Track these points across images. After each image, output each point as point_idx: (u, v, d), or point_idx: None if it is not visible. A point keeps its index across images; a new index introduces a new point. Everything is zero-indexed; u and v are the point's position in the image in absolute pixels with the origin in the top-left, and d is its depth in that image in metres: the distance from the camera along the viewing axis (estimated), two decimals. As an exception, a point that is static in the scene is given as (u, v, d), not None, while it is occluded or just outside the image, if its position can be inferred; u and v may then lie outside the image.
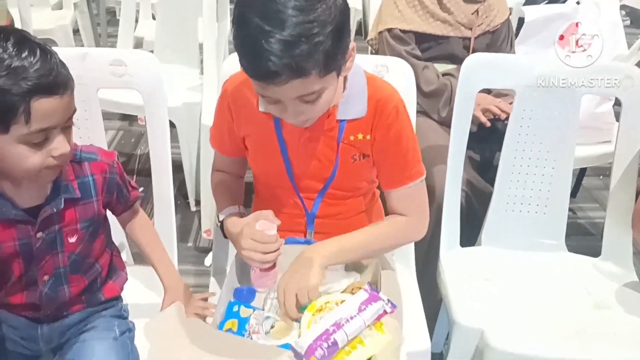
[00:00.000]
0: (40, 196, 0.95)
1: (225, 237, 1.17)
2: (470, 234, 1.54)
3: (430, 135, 1.70)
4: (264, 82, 0.92)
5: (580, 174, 2.39)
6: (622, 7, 2.78)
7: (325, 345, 0.94)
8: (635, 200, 1.33)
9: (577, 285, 1.35)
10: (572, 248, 1.48)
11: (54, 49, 0.88)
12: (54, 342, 1.04)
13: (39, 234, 0.95)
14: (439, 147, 1.58)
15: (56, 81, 0.84)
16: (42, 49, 0.84)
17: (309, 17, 0.89)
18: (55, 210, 0.95)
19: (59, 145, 0.87)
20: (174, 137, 2.34)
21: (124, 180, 1.07)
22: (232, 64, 1.28)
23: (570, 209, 2.43)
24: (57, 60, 0.85)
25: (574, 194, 2.45)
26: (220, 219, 1.18)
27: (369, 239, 1.14)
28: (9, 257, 0.95)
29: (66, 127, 0.89)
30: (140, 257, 1.21)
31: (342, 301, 1.07)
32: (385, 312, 1.01)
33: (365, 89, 1.10)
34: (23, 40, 0.83)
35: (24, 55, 0.81)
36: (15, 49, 0.81)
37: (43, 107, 0.83)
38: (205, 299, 1.15)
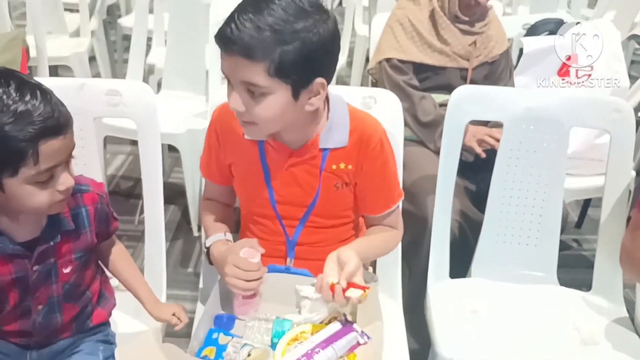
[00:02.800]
0: (35, 230, 0.97)
1: (211, 263, 1.20)
2: (463, 266, 1.53)
3: (425, 165, 1.71)
4: (219, 45, 0.97)
5: (585, 205, 2.37)
6: (633, 36, 2.77)
7: (297, 373, 0.95)
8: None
9: (566, 319, 1.33)
10: (573, 280, 1.46)
11: (60, 80, 0.90)
12: None
13: (35, 267, 0.98)
14: (433, 177, 1.58)
15: (60, 122, 0.87)
16: (41, 90, 0.87)
17: (289, 20, 0.94)
18: (52, 244, 0.98)
19: (64, 181, 0.91)
20: (178, 163, 2.42)
21: (109, 210, 1.10)
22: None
23: (575, 240, 2.42)
24: (57, 100, 0.89)
25: (579, 224, 2.42)
26: (207, 245, 1.20)
27: (379, 242, 1.22)
28: (5, 288, 0.98)
29: (68, 161, 0.92)
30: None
31: (317, 331, 1.09)
32: (358, 343, 1.02)
33: (347, 119, 1.13)
34: (23, 83, 0.86)
35: (26, 98, 0.84)
36: (17, 93, 0.84)
37: (50, 148, 0.86)
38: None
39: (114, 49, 3.48)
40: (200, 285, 1.45)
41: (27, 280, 0.98)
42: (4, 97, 0.83)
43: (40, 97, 0.86)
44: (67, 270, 1.02)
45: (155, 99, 1.34)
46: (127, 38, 3.55)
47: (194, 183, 2.20)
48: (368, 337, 1.03)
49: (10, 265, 0.96)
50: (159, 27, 2.76)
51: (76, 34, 2.95)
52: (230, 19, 0.95)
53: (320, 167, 1.14)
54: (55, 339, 1.06)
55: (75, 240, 1.02)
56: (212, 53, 2.24)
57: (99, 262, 1.15)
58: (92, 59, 3.01)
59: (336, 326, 1.03)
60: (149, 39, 2.69)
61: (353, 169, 1.15)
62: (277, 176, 1.15)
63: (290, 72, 0.96)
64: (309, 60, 0.96)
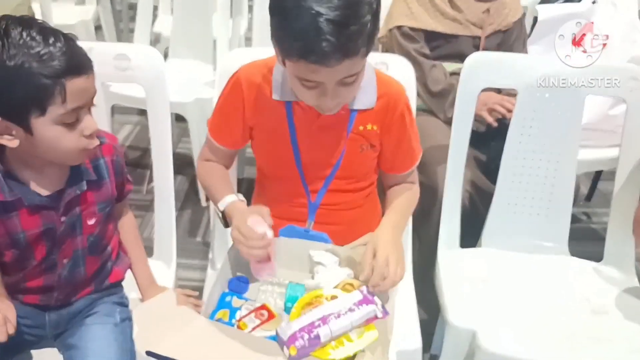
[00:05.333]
0: (60, 181, 0.98)
1: (227, 226, 1.17)
2: (474, 236, 1.52)
3: (435, 134, 1.69)
4: (318, 64, 0.95)
5: (595, 178, 2.34)
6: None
7: (306, 336, 0.96)
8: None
9: (576, 289, 1.33)
10: (583, 253, 1.45)
11: None
12: (61, 328, 1.07)
13: (63, 218, 0.99)
14: (444, 146, 1.56)
15: (83, 61, 0.89)
16: (63, 34, 0.88)
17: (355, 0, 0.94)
18: (78, 193, 0.99)
19: (89, 124, 0.92)
20: (185, 133, 2.40)
21: (124, 166, 1.10)
22: (232, 61, 1.30)
23: (584, 213, 2.40)
24: (78, 45, 0.90)
25: (589, 197, 2.40)
26: (221, 208, 1.16)
27: (407, 206, 1.25)
28: (33, 242, 0.98)
29: (91, 106, 0.93)
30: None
31: (333, 296, 1.09)
32: (376, 316, 1.02)
33: (374, 81, 1.15)
34: (46, 28, 0.87)
35: (50, 41, 0.85)
36: (41, 36, 0.85)
37: (76, 86, 0.87)
38: (189, 296, 1.16)
39: (120, 18, 3.44)
40: (210, 254, 1.45)
41: (55, 233, 0.99)
42: (28, 39, 0.84)
43: (62, 39, 0.87)
44: (91, 222, 1.02)
45: (163, 64, 1.32)
46: (132, 7, 3.50)
47: (201, 152, 2.19)
48: (387, 313, 1.03)
49: (38, 218, 0.96)
50: (165, -5, 2.73)
51: (81, 1, 2.91)
52: (314, 32, 0.92)
53: (348, 128, 1.15)
54: (74, 296, 1.07)
55: (98, 191, 1.03)
56: (219, 22, 2.22)
57: None
58: (97, 28, 2.97)
59: (357, 296, 1.03)
60: (155, 8, 2.66)
61: (379, 130, 1.17)
62: (303, 137, 1.15)
63: (373, 41, 0.99)
64: (378, 18, 0.99)
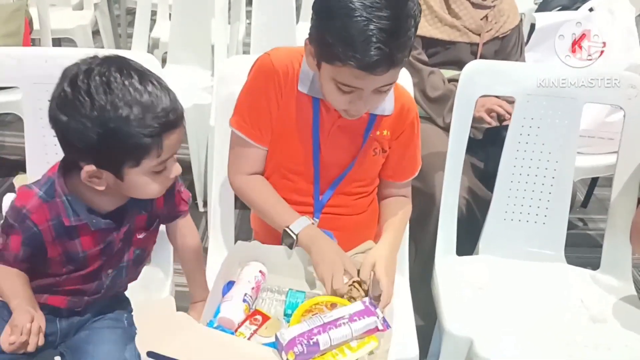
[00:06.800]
0: (120, 199, 0.96)
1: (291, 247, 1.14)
2: (471, 243, 1.52)
3: (434, 141, 1.69)
4: (365, 71, 0.97)
5: (592, 184, 2.35)
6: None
7: (305, 342, 0.96)
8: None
9: (574, 297, 1.33)
10: (579, 259, 1.46)
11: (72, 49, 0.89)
12: (69, 337, 1.06)
13: (121, 236, 0.98)
14: (441, 154, 1.57)
15: (179, 113, 0.88)
16: (158, 81, 0.87)
17: (404, 12, 0.96)
18: (143, 213, 0.99)
19: (175, 169, 0.93)
20: (184, 138, 2.39)
21: (177, 183, 1.06)
22: (230, 68, 1.30)
23: (581, 220, 2.41)
24: (173, 92, 0.88)
25: (585, 204, 2.41)
26: (296, 232, 1.12)
27: (403, 227, 1.28)
28: (91, 259, 0.97)
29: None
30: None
31: (331, 303, 1.09)
32: (377, 328, 1.02)
33: (392, 89, 1.14)
34: (143, 75, 0.86)
35: (149, 89, 0.84)
36: (141, 86, 0.84)
37: (171, 140, 0.87)
38: None
39: (118, 23, 3.44)
40: (208, 261, 1.44)
41: (113, 249, 0.98)
42: (130, 89, 0.83)
43: (160, 88, 0.86)
44: (140, 236, 1.02)
45: (160, 71, 1.32)
46: (130, 12, 3.51)
47: (199, 158, 2.19)
48: (389, 326, 1.03)
49: (98, 237, 0.96)
50: (163, 0, 2.72)
51: (79, 6, 2.92)
52: (367, 39, 0.94)
53: (366, 131, 1.16)
54: (102, 299, 1.06)
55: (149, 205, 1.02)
56: (217, 28, 2.21)
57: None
58: (95, 33, 2.97)
59: (358, 306, 1.03)
60: (153, 13, 2.66)
61: (389, 135, 1.19)
62: (324, 135, 1.16)
63: (410, 52, 1.02)
64: (417, 30, 1.02)
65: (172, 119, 0.86)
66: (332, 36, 0.97)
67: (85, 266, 0.98)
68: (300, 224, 1.12)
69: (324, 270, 1.07)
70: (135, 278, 1.09)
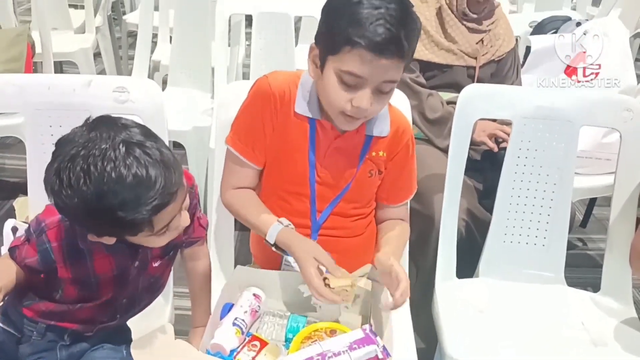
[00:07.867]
0: None
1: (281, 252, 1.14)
2: (471, 265, 1.52)
3: (432, 163, 1.70)
4: (372, 52, 0.98)
5: (590, 204, 2.35)
6: (639, 35, 2.76)
7: (304, 371, 0.95)
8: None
9: (574, 320, 1.32)
10: (579, 280, 1.46)
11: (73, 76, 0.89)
12: None
13: (136, 263, 0.98)
14: (440, 175, 1.57)
15: (172, 191, 0.85)
16: (151, 154, 0.83)
17: (410, 10, 1.02)
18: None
19: (178, 224, 0.92)
20: (183, 161, 2.40)
21: (197, 209, 1.07)
22: (230, 93, 1.31)
23: (580, 240, 2.41)
24: (167, 160, 0.85)
25: (584, 224, 2.41)
26: (272, 242, 1.13)
27: (403, 242, 1.28)
28: (103, 284, 0.97)
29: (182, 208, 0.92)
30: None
31: (330, 329, 1.08)
32: (377, 357, 1.01)
33: (387, 111, 1.18)
34: (133, 147, 0.82)
35: (135, 171, 0.81)
36: (126, 170, 0.81)
37: (162, 216, 0.86)
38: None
39: (119, 46, 3.47)
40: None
41: (127, 277, 0.98)
42: (113, 175, 0.80)
43: (151, 162, 0.82)
44: (156, 265, 1.02)
45: (162, 96, 1.33)
46: (132, 35, 3.55)
47: (199, 180, 2.20)
48: (389, 354, 1.02)
49: (111, 261, 0.96)
50: (164, 24, 2.76)
51: (81, 30, 2.94)
52: (380, 15, 0.98)
53: (362, 152, 1.17)
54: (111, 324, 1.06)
55: None
56: (217, 50, 2.24)
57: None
58: (96, 55, 3.00)
59: (358, 334, 1.03)
60: (154, 36, 2.69)
61: (385, 156, 1.20)
62: (320, 156, 1.17)
63: (411, 59, 1.05)
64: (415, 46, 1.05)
65: (164, 200, 0.83)
66: (342, 22, 1.00)
67: (99, 294, 0.98)
68: (272, 234, 1.11)
69: (303, 274, 1.07)
70: (146, 306, 1.08)
